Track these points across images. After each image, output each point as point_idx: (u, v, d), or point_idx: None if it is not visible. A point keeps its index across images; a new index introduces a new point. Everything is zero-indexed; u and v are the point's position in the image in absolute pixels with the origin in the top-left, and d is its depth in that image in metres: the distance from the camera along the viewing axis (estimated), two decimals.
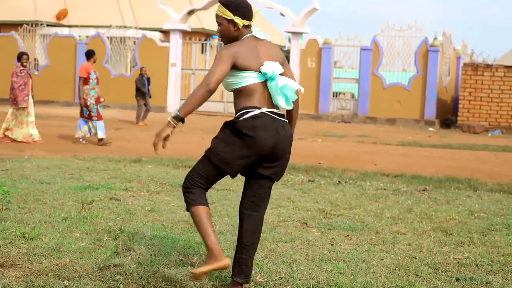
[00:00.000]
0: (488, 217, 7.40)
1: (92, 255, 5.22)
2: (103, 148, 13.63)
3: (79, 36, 28.52)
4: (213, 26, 31.14)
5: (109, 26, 29.43)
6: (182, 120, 4.26)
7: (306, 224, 6.74)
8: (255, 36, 4.48)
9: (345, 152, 14.34)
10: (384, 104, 24.50)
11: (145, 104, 20.91)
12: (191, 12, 26.75)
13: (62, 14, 32.86)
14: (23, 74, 14.16)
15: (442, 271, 5.18)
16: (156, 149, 4.26)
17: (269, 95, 4.41)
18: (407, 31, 24.58)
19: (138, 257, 5.22)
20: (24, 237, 5.59)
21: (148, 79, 21.25)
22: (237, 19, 4.42)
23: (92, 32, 29.75)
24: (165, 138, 4.24)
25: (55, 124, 19.15)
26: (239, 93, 4.38)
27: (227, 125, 4.40)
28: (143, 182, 8.85)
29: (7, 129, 14.23)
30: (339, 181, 9.73)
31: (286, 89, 4.40)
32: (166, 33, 28.73)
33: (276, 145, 4.33)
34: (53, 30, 30.26)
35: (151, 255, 5.29)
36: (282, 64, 4.50)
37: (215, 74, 4.24)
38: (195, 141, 16.07)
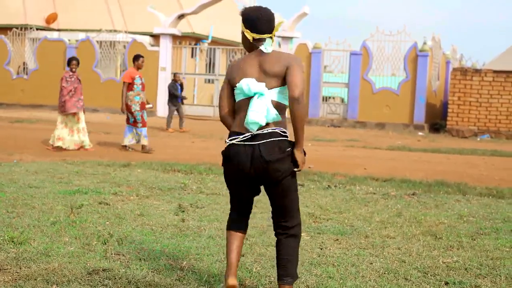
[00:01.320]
0: (477, 221, 7.43)
1: (81, 260, 5.20)
2: (92, 152, 13.56)
3: (69, 40, 28.45)
4: (203, 31, 31.16)
5: (99, 30, 29.37)
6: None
7: None
8: (261, 50, 4.32)
9: (335, 157, 14.36)
10: (374, 108, 24.54)
11: (177, 111, 20.26)
12: (181, 17, 26.73)
13: (51, 18, 32.76)
14: (72, 79, 13.88)
15: (431, 275, 5.20)
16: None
17: None
18: (396, 36, 24.65)
19: (127, 262, 5.21)
20: (12, 241, 5.57)
21: (181, 85, 20.78)
22: (247, 32, 4.36)
23: (81, 36, 29.67)
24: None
25: (44, 128, 19.06)
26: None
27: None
28: (132, 187, 8.83)
29: (58, 138, 13.83)
30: (328, 185, 9.74)
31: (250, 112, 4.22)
32: (156, 37, 28.67)
33: (255, 169, 4.23)
34: (42, 34, 30.16)
35: (140, 259, 5.28)
36: (277, 76, 4.24)
37: (220, 99, 4.43)
38: (185, 145, 16.06)
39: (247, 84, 4.22)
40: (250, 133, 4.20)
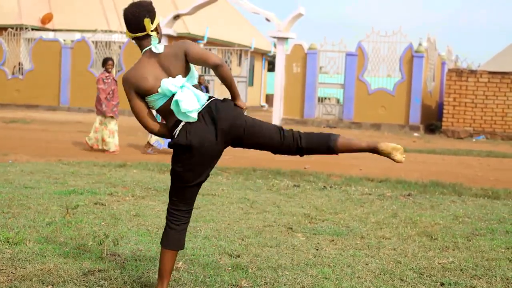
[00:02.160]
0: (473, 222, 7.44)
1: (76, 260, 5.20)
2: (88, 153, 13.54)
3: (64, 40, 28.42)
4: (199, 31, 31.15)
5: (94, 31, 29.35)
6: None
7: (292, 229, 6.75)
8: (151, 51, 4.25)
9: (330, 157, 14.36)
10: (369, 109, 24.57)
11: None
12: (176, 17, 26.72)
13: (47, 18, 32.72)
14: (109, 80, 13.78)
15: (426, 276, 5.20)
16: None
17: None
18: (392, 37, 24.67)
19: (123, 262, 5.20)
20: (8, 242, 5.55)
21: (207, 88, 20.48)
22: (126, 32, 4.33)
23: (77, 36, 29.65)
24: None
25: (39, 128, 19.05)
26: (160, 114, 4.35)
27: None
28: (128, 187, 8.82)
29: (102, 140, 13.80)
30: (324, 186, 9.74)
31: (177, 106, 4.20)
32: None
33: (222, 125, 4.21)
34: (37, 34, 30.12)
35: (136, 260, 5.27)
36: (188, 52, 4.24)
37: (138, 113, 4.30)
38: None
39: (172, 84, 4.18)
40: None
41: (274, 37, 25.91)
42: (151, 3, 4.30)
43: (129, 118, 25.29)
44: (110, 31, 29.76)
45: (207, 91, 20.01)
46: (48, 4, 33.74)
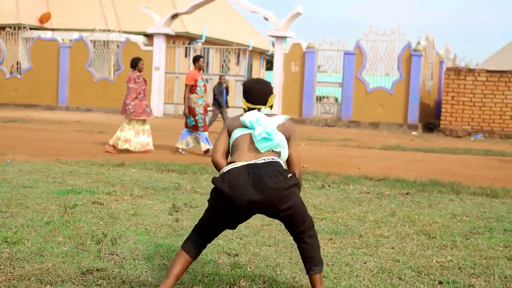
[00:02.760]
0: (471, 220, 7.44)
1: (74, 260, 5.19)
2: (86, 152, 13.52)
3: (62, 40, 28.42)
4: (197, 30, 31.14)
5: (93, 30, 29.34)
6: None
7: None
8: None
9: (329, 156, 14.37)
10: (368, 108, 24.58)
11: (221, 113, 19.48)
12: (174, 16, 26.72)
13: (45, 18, 32.71)
14: (140, 80, 13.59)
15: (425, 274, 5.20)
16: None
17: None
18: (390, 36, 24.69)
19: (121, 261, 5.20)
20: (6, 241, 5.55)
21: (227, 88, 20.23)
22: (243, 101, 4.68)
23: (75, 35, 29.64)
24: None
25: (37, 128, 19.04)
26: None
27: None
28: (126, 186, 8.82)
29: (125, 140, 13.62)
30: (322, 185, 9.74)
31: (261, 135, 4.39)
32: (149, 37, 28.66)
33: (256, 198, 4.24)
34: (36, 33, 30.11)
35: (134, 259, 5.27)
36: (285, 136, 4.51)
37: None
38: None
39: (250, 119, 4.46)
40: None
41: (273, 36, 25.94)
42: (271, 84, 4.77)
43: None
44: (108, 31, 29.75)
45: (227, 92, 19.84)
46: (46, 4, 33.73)
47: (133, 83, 13.50)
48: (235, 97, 27.22)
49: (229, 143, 4.55)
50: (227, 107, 19.83)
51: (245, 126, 4.47)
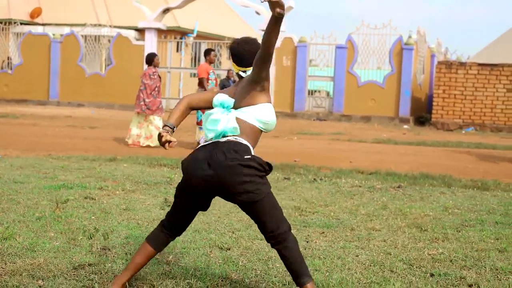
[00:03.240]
0: (462, 213, 7.47)
1: (66, 255, 5.19)
2: (77, 147, 13.50)
3: (53, 35, 28.31)
4: (189, 25, 31.09)
5: (84, 25, 29.24)
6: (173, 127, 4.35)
7: None
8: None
9: (321, 150, 14.38)
10: (359, 102, 24.60)
11: None
12: (166, 11, 26.67)
13: (36, 13, 32.59)
14: (155, 76, 13.64)
15: (416, 267, 5.22)
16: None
17: None
18: (381, 30, 24.70)
19: (113, 256, 5.20)
20: None
21: (234, 82, 20.14)
22: (233, 66, 4.47)
23: (66, 30, 29.54)
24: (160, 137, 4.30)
25: (29, 123, 18.99)
26: None
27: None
28: (118, 181, 8.81)
29: (147, 137, 13.70)
30: (314, 179, 9.76)
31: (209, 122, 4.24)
32: (141, 31, 28.60)
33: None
34: (26, 28, 30.00)
35: (126, 254, 5.27)
36: (247, 93, 4.32)
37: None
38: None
39: (218, 100, 4.33)
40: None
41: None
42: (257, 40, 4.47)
43: (118, 112, 25.24)
44: (100, 25, 29.67)
45: None
46: None
47: (148, 79, 13.55)
48: None
49: (206, 106, 4.41)
50: None
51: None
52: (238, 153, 4.08)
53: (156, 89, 13.58)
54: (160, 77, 13.72)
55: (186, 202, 4.29)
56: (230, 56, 4.48)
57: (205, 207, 4.35)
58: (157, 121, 13.82)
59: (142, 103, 13.57)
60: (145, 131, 13.73)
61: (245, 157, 4.08)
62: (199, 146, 4.26)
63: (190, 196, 4.24)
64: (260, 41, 4.30)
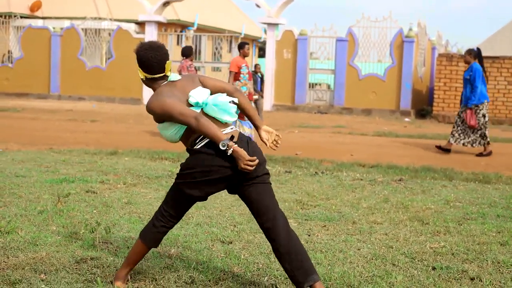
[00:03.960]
0: (464, 206, 7.47)
1: (68, 248, 5.20)
2: (79, 141, 13.50)
3: (53, 28, 28.27)
4: (189, 18, 31.06)
5: (84, 18, 29.20)
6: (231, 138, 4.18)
7: None
8: (171, 81, 4.37)
9: (322, 143, 14.38)
10: (360, 94, 24.57)
11: (255, 102, 18.21)
12: (166, 4, 26.61)
13: (36, 6, 32.55)
14: (192, 69, 13.82)
15: (418, 260, 5.23)
16: (250, 168, 4.13)
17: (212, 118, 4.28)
18: (382, 22, 24.65)
19: (115, 250, 5.20)
20: (0, 231, 5.55)
21: (262, 77, 19.91)
22: (139, 71, 4.40)
23: (66, 24, 29.49)
24: (241, 154, 4.10)
25: (30, 117, 18.98)
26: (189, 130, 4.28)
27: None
28: (119, 175, 8.81)
29: None
30: (315, 172, 9.76)
31: (222, 104, 4.28)
32: (141, 24, 28.57)
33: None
34: (27, 22, 29.95)
35: (128, 247, 5.27)
36: (203, 83, 4.40)
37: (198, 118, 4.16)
38: None
39: (198, 96, 4.27)
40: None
41: (265, 23, 25.88)
42: (164, 45, 4.43)
43: (119, 105, 25.25)
44: (100, 19, 29.64)
45: (262, 80, 19.65)
46: None
47: (186, 71, 13.74)
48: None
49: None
50: (262, 96, 19.58)
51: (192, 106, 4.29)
52: None
53: None
54: (196, 70, 13.90)
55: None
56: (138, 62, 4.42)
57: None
58: None
59: None
60: None
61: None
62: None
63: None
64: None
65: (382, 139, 15.66)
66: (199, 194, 4.27)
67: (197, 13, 31.40)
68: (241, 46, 13.06)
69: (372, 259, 5.22)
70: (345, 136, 16.43)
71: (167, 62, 4.36)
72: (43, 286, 4.38)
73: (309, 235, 5.92)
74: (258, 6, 25.54)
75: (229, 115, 4.30)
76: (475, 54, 13.15)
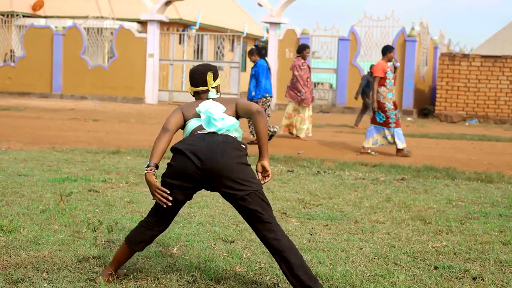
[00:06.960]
0: (466, 205, 7.47)
1: (71, 247, 5.20)
2: (81, 140, 13.49)
3: (56, 27, 28.27)
4: (191, 17, 31.04)
5: (86, 17, 29.19)
6: (156, 166, 4.53)
7: (286, 214, 6.76)
8: (209, 99, 4.56)
9: (324, 142, 14.37)
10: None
11: (365, 105, 18.53)
12: (168, 3, 26.60)
13: (38, 5, 32.53)
14: (305, 67, 13.99)
15: (420, 260, 5.22)
16: (163, 201, 4.44)
17: None
18: (384, 22, 24.63)
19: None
20: (2, 230, 5.55)
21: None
22: (189, 88, 4.64)
23: (68, 23, 29.48)
24: (157, 187, 4.49)
25: (32, 116, 18.99)
26: None
27: None
28: (122, 174, 8.82)
29: (290, 125, 14.18)
30: (318, 171, 9.76)
31: (207, 114, 4.41)
32: (143, 23, 28.55)
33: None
34: (29, 21, 29.94)
35: None
36: (237, 105, 4.49)
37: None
38: None
39: (204, 107, 4.43)
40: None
41: (267, 22, 25.87)
42: (214, 66, 4.69)
43: (121, 104, 25.27)
44: (102, 18, 29.60)
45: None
46: None
47: (299, 70, 13.95)
48: (230, 84, 27.16)
49: (182, 123, 4.52)
50: (356, 99, 19.88)
51: (199, 116, 4.45)
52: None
53: (307, 79, 14.08)
54: (309, 68, 14.19)
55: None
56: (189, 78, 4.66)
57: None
58: (306, 111, 14.31)
59: (299, 93, 14.10)
60: (291, 120, 14.33)
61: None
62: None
63: None
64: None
65: None
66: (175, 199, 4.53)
67: (199, 12, 31.39)
68: (388, 50, 12.13)
69: (374, 258, 5.22)
70: (347, 135, 16.42)
71: (208, 73, 4.56)
72: (45, 285, 4.39)
73: (311, 234, 5.92)
74: (260, 5, 25.54)
75: (214, 127, 4.38)
76: (256, 51, 13.29)
